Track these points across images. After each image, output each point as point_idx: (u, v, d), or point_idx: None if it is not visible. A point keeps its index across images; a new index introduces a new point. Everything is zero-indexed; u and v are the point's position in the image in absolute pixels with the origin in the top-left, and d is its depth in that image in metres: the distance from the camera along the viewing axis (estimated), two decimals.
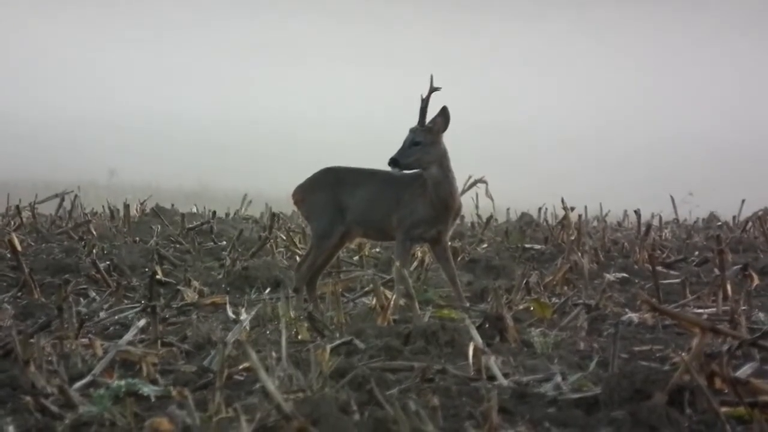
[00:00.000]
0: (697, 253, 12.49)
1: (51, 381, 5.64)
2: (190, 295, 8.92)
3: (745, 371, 5.70)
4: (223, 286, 9.87)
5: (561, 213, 13.50)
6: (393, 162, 8.10)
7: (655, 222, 16.26)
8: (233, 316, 7.84)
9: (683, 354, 5.73)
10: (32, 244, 13.06)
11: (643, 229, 13.55)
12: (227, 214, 18.15)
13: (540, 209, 16.98)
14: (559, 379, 5.71)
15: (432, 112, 8.21)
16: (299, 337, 7.14)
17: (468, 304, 8.20)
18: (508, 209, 18.51)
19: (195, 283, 9.28)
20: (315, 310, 7.82)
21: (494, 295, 7.24)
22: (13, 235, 10.11)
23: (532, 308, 8.05)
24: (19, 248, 9.55)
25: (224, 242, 13.02)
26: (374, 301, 7.86)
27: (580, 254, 10.07)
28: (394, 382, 5.71)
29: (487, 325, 7.12)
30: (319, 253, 8.37)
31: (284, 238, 12.13)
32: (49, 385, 5.60)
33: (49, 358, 6.15)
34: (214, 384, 5.25)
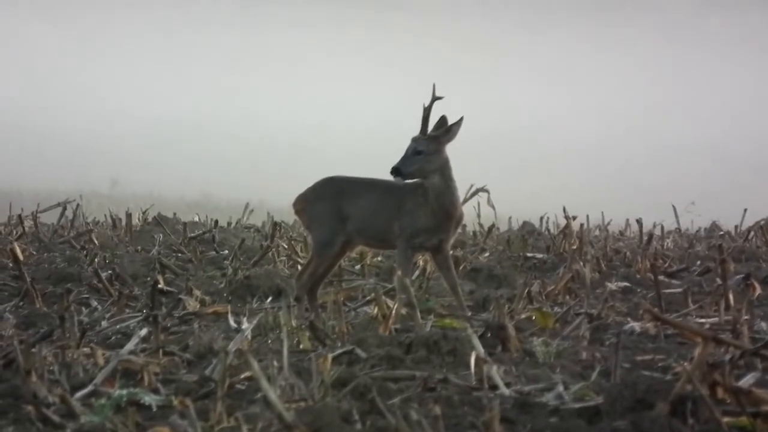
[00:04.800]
0: (699, 262, 12.48)
1: (53, 390, 5.64)
2: (192, 304, 8.92)
3: (747, 381, 5.69)
4: (225, 295, 9.86)
5: (563, 222, 13.50)
6: (395, 171, 8.11)
7: (657, 231, 16.24)
8: (235, 326, 7.83)
9: (685, 364, 5.73)
10: (34, 253, 13.06)
11: (645, 238, 13.55)
12: (229, 223, 18.16)
13: (542, 218, 16.97)
14: (561, 388, 5.70)
15: (434, 121, 8.22)
16: (301, 346, 7.14)
17: (470, 313, 8.20)
18: (509, 218, 18.50)
19: (197, 292, 9.28)
20: (316, 319, 7.82)
21: (496, 305, 7.24)
22: (15, 244, 10.12)
23: (534, 317, 8.04)
24: (21, 257, 9.55)
25: (226, 251, 13.02)
26: (376, 310, 7.86)
27: (582, 263, 10.06)
28: (395, 391, 5.70)
29: (489, 335, 7.11)
30: (320, 263, 8.37)
31: (286, 247, 12.13)
32: (51, 394, 5.60)
33: (51, 368, 6.16)
34: (216, 393, 5.25)
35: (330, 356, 5.98)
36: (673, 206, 17.45)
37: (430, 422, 4.58)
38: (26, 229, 14.82)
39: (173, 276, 10.90)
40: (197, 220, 18.81)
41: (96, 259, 11.78)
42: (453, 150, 8.24)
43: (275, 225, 13.04)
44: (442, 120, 8.18)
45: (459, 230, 8.52)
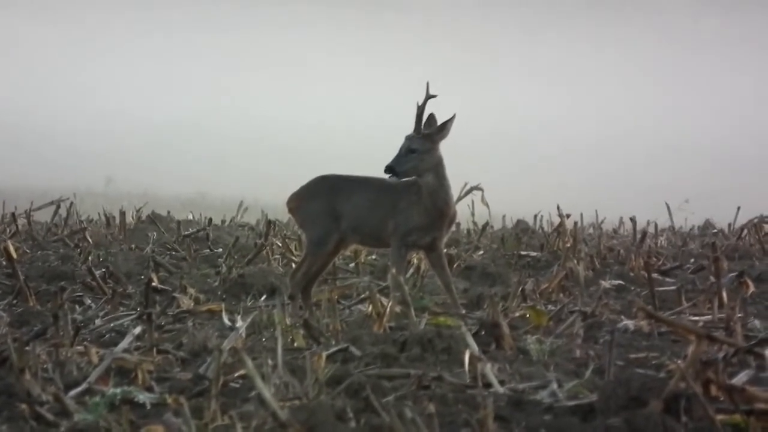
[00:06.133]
0: (692, 260, 12.50)
1: (46, 389, 5.64)
2: (186, 303, 8.91)
3: (740, 379, 5.70)
4: (219, 293, 9.86)
5: (557, 220, 13.50)
6: (389, 169, 8.11)
7: (651, 229, 16.27)
8: (229, 324, 7.83)
9: (679, 361, 5.74)
10: (28, 251, 13.05)
11: (638, 236, 13.56)
12: (223, 222, 18.15)
13: (536, 216, 16.98)
14: (555, 386, 5.71)
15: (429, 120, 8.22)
16: (295, 344, 7.14)
17: (464, 311, 8.20)
18: (503, 216, 18.50)
19: (191, 291, 9.27)
20: (311, 318, 7.82)
21: (490, 303, 7.24)
22: (9, 242, 10.11)
23: (527, 315, 8.05)
24: (14, 256, 9.54)
25: (220, 249, 13.02)
26: (370, 308, 7.85)
27: (575, 261, 10.08)
28: (390, 389, 5.71)
29: (483, 333, 7.12)
30: (314, 261, 8.37)
31: (280, 245, 12.12)
32: (45, 392, 5.59)
33: (45, 366, 6.15)
34: (210, 391, 5.25)
35: (324, 354, 5.99)
36: (667, 204, 17.48)
37: (425, 420, 4.58)
38: (20, 227, 14.80)
39: (167, 274, 10.90)
40: (191, 218, 18.78)
41: (90, 258, 11.77)
42: (452, 149, 8.25)
43: (269, 223, 13.02)
44: (431, 119, 8.18)
45: (452, 228, 8.52)
